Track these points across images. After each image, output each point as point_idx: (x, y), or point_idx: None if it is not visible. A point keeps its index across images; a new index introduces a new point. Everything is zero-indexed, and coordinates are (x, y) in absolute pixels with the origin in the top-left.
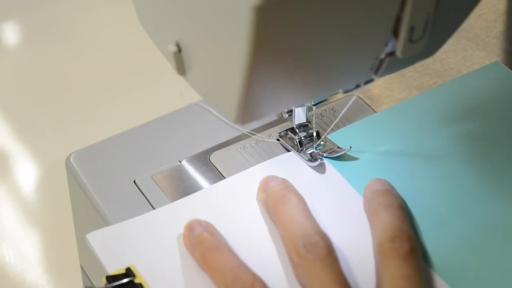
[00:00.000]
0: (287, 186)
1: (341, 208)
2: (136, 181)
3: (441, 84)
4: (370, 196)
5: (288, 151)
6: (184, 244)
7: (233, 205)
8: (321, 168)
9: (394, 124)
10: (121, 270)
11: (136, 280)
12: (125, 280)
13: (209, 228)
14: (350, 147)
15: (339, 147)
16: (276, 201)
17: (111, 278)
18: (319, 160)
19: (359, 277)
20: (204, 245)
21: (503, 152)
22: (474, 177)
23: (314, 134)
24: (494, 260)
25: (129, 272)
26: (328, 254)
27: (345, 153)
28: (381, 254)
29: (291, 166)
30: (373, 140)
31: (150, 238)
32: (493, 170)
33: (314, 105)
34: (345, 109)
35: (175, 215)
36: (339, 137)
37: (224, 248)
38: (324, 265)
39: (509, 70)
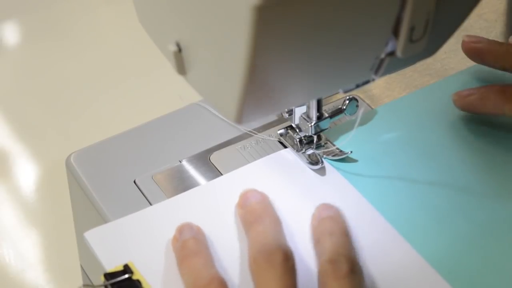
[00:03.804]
0: (264, 205)
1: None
2: (136, 181)
3: (439, 80)
4: (315, 225)
5: None
6: (171, 244)
7: (230, 203)
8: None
9: (393, 121)
10: (119, 267)
11: (134, 277)
12: (123, 277)
13: (197, 234)
14: (351, 151)
15: (340, 150)
16: (251, 220)
17: (109, 275)
18: (320, 164)
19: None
20: (185, 251)
21: (501, 148)
22: (474, 176)
23: (315, 137)
24: (492, 257)
25: (127, 269)
26: (283, 262)
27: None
28: (321, 276)
29: (288, 163)
30: (372, 137)
31: (147, 235)
32: (493, 169)
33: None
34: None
35: (171, 212)
36: (336, 134)
37: (202, 254)
38: (276, 273)
39: None
